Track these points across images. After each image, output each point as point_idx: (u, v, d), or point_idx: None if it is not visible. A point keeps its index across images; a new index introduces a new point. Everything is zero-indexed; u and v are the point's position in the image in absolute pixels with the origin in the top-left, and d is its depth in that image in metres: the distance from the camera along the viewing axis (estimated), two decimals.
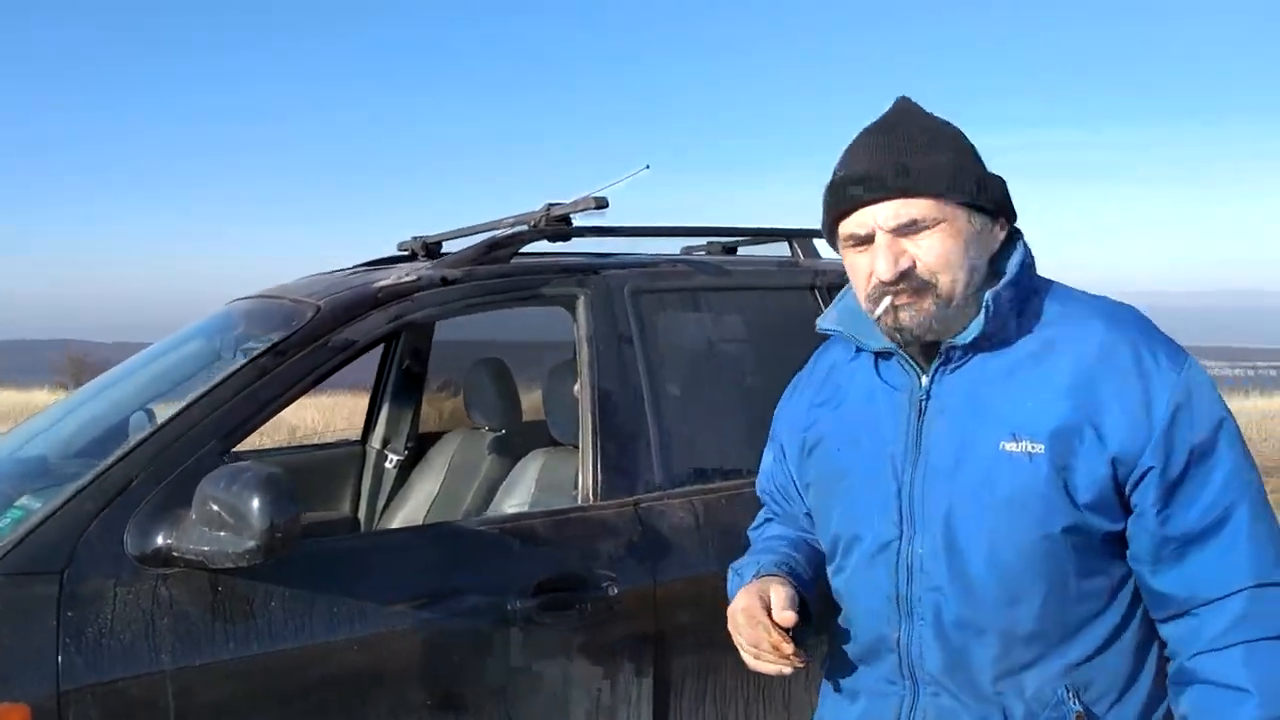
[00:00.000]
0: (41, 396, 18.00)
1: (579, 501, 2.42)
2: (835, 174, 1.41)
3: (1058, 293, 1.42)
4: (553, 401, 2.82)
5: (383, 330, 2.31)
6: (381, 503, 3.64)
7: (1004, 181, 1.39)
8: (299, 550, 1.97)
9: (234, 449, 2.17)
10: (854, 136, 1.43)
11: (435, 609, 2.12)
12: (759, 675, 2.54)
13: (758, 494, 1.81)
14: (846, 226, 1.38)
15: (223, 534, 1.86)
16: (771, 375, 2.74)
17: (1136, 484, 1.28)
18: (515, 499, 2.86)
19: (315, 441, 4.47)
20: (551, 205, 2.63)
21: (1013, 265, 1.38)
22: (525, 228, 2.67)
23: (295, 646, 1.99)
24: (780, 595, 1.40)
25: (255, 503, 1.82)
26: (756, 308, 2.83)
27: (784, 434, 1.67)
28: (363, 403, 4.06)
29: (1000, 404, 1.34)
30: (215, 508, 1.88)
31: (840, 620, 1.52)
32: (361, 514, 3.69)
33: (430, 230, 3.18)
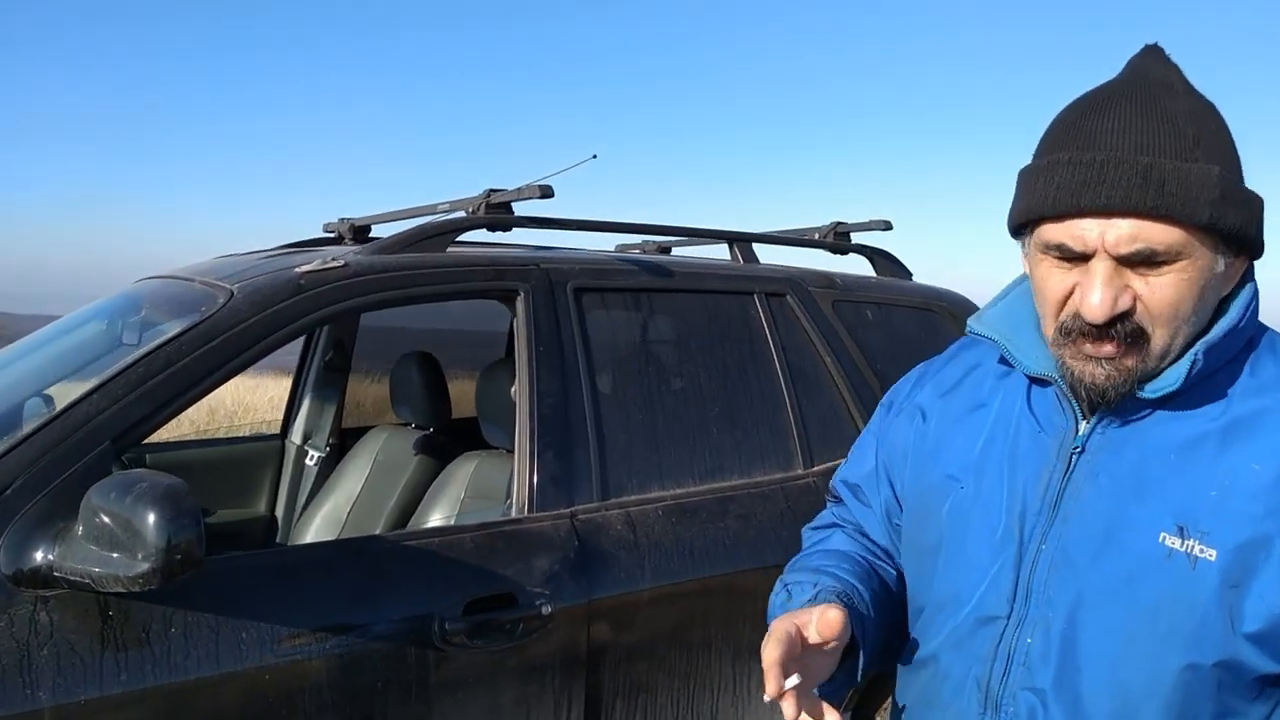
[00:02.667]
0: None
1: (512, 512, 2.12)
2: (1048, 152, 0.98)
3: (1276, 345, 1.03)
4: (486, 403, 2.52)
5: (305, 321, 1.96)
6: (301, 502, 3.27)
7: (1262, 202, 0.97)
8: (205, 568, 1.65)
9: (133, 447, 1.81)
10: (1080, 98, 0.99)
11: (356, 632, 1.81)
12: (689, 696, 2.32)
13: (831, 485, 1.38)
14: (1054, 232, 0.96)
15: (112, 553, 1.52)
16: (713, 382, 2.51)
17: None
18: (442, 506, 2.55)
19: (232, 435, 4.05)
20: (492, 191, 2.32)
21: (1237, 308, 0.99)
22: (463, 214, 2.34)
23: (198, 677, 1.66)
24: (828, 625, 1.00)
25: (152, 518, 1.49)
26: (700, 311, 2.56)
27: (891, 422, 1.26)
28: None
29: (1173, 483, 0.97)
30: (106, 521, 1.54)
31: (916, 687, 1.17)
32: (279, 513, 3.32)
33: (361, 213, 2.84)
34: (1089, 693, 0.98)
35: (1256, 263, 1.02)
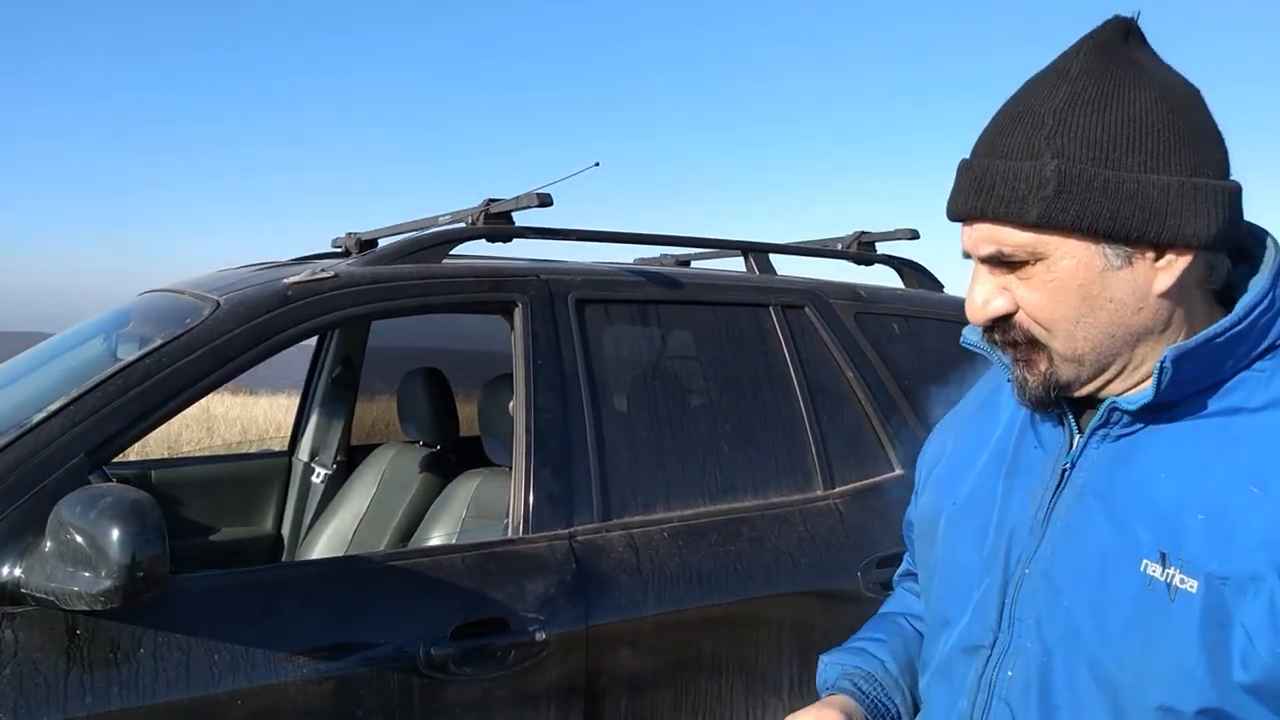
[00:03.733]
0: None
1: (508, 532, 2.07)
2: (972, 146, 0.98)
3: None
4: (488, 419, 2.47)
5: (291, 332, 1.93)
6: (307, 519, 3.25)
7: (1212, 188, 0.87)
8: (177, 587, 1.61)
9: (111, 462, 1.79)
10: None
11: (335, 657, 1.77)
12: None
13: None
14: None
15: (79, 570, 1.50)
16: (724, 398, 2.44)
17: None
18: (444, 525, 2.50)
19: (239, 451, 4.06)
20: (491, 201, 2.29)
21: (1236, 311, 0.90)
22: (462, 225, 2.31)
23: (167, 701, 1.62)
24: None
25: (115, 534, 1.47)
26: (711, 323, 2.50)
27: (928, 450, 1.25)
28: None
29: (1161, 504, 0.89)
30: (74, 537, 1.51)
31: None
32: (285, 531, 3.30)
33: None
34: None
35: None
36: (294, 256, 2.89)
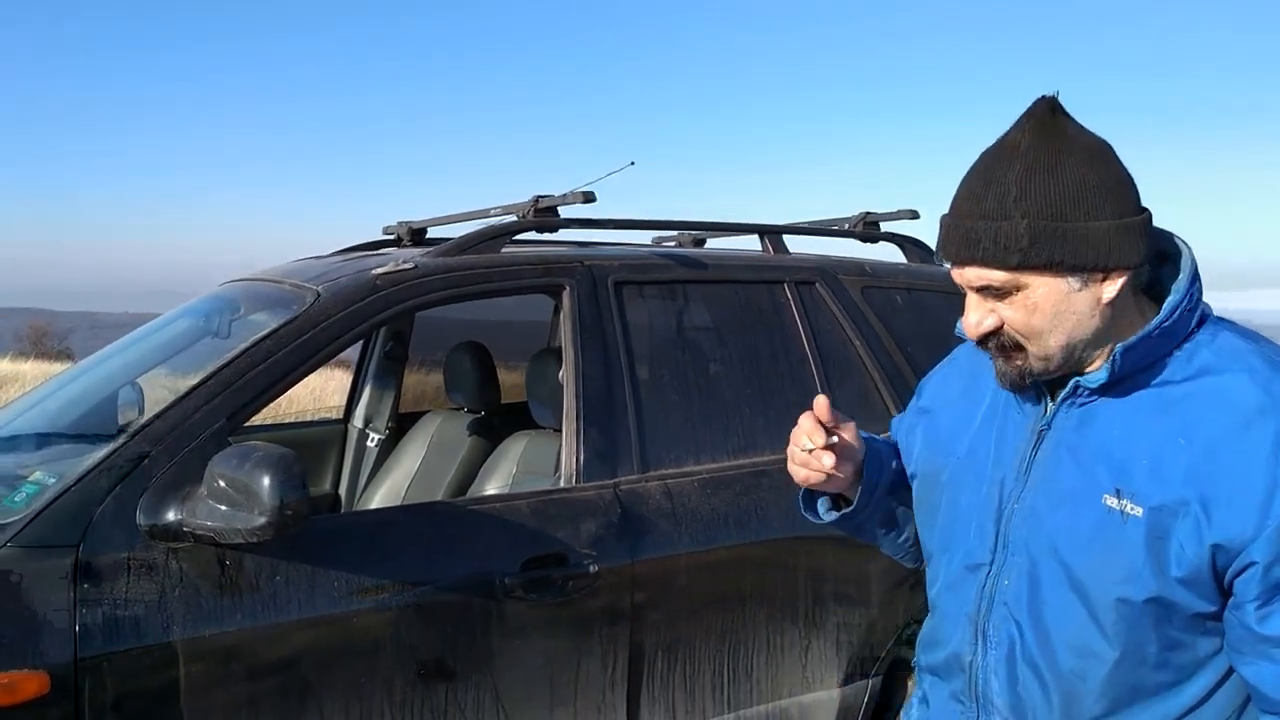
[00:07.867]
0: (2, 366, 17.97)
1: (562, 483, 2.54)
2: (950, 205, 1.34)
3: (1217, 337, 1.30)
4: (535, 386, 2.94)
5: (381, 316, 2.41)
6: (363, 481, 3.74)
7: (1135, 224, 1.24)
8: (301, 527, 2.08)
9: (243, 425, 2.27)
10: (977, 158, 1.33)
11: (429, 585, 2.25)
12: (725, 649, 2.71)
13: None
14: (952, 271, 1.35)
15: (233, 511, 1.96)
16: (745, 365, 2.90)
17: (1238, 574, 1.20)
18: (497, 480, 2.98)
19: (300, 419, 4.55)
20: (539, 197, 2.74)
21: (1163, 310, 1.28)
22: (514, 218, 2.76)
23: (297, 619, 2.10)
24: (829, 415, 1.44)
25: (267, 481, 1.93)
26: (731, 299, 2.96)
27: (923, 398, 1.65)
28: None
29: (1115, 454, 1.28)
30: (226, 485, 1.98)
31: (928, 624, 1.54)
32: (343, 491, 3.79)
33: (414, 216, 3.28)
34: (1053, 623, 1.31)
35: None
36: (346, 245, 3.34)
